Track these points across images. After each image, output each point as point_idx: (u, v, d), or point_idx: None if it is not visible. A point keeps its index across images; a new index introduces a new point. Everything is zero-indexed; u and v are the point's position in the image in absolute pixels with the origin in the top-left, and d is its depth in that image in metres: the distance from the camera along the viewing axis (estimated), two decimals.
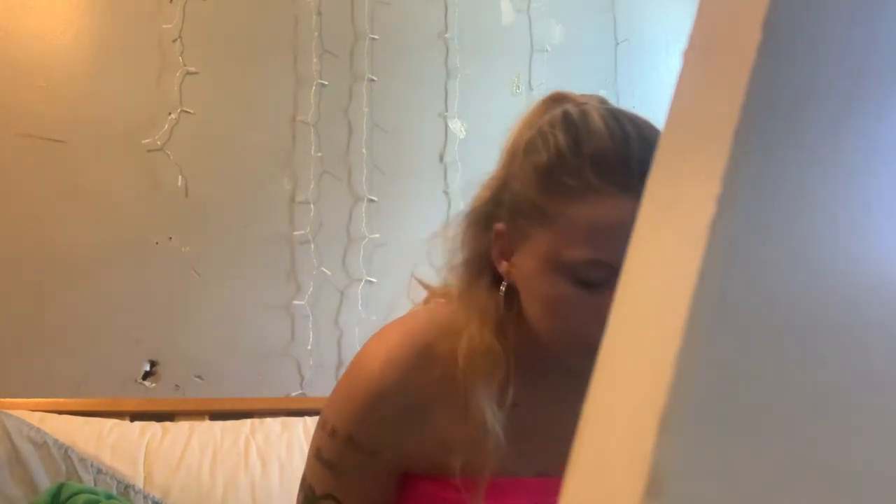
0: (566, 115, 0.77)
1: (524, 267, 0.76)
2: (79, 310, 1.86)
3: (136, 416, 1.79)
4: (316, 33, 2.11)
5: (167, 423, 1.75)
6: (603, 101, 0.85)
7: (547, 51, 2.34)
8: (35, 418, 1.62)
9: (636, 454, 0.18)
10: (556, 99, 0.84)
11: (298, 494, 0.85)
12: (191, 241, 1.96)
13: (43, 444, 1.56)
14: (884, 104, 0.24)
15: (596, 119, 0.76)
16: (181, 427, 1.73)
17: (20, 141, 1.87)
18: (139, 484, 1.58)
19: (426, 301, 0.91)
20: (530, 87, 2.30)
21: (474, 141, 2.19)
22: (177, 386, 1.92)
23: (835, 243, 0.23)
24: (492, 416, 0.77)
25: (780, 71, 0.22)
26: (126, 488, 1.56)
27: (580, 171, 0.71)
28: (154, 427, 1.71)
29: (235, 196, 2.01)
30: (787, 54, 0.22)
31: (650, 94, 2.44)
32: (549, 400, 0.82)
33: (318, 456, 0.82)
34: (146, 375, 1.90)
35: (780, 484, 0.20)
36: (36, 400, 1.74)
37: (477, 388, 0.77)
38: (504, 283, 0.79)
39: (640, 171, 0.70)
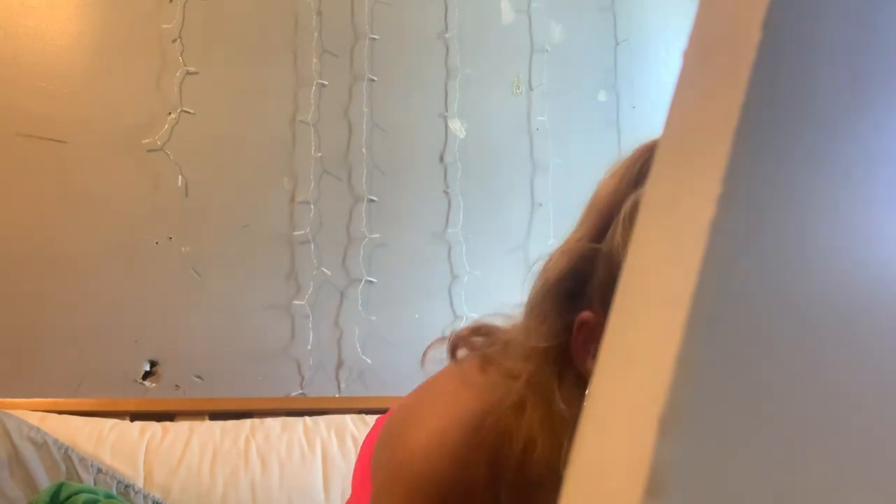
0: None
1: None
2: (79, 310, 1.86)
3: (135, 416, 1.79)
4: (316, 33, 2.11)
5: (167, 423, 1.75)
6: None
7: (547, 51, 2.34)
8: (35, 418, 1.62)
9: (636, 454, 0.18)
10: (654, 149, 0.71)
11: None
12: (191, 241, 1.96)
13: (43, 444, 1.56)
14: (884, 104, 0.24)
15: None
16: (181, 427, 1.73)
17: (20, 141, 1.87)
18: (139, 484, 1.58)
19: (483, 359, 0.73)
20: (530, 87, 2.30)
21: (474, 141, 2.19)
22: (177, 386, 1.92)
23: (835, 243, 0.23)
24: None
25: (780, 71, 0.22)
26: (126, 488, 1.56)
27: None
28: (154, 427, 1.71)
29: (235, 196, 2.01)
30: (787, 54, 0.22)
31: (650, 94, 2.44)
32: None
33: None
34: (146, 375, 1.90)
35: (781, 484, 0.20)
36: (36, 400, 1.74)
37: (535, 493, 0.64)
38: (588, 388, 0.63)
39: None
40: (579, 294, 0.65)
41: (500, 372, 0.70)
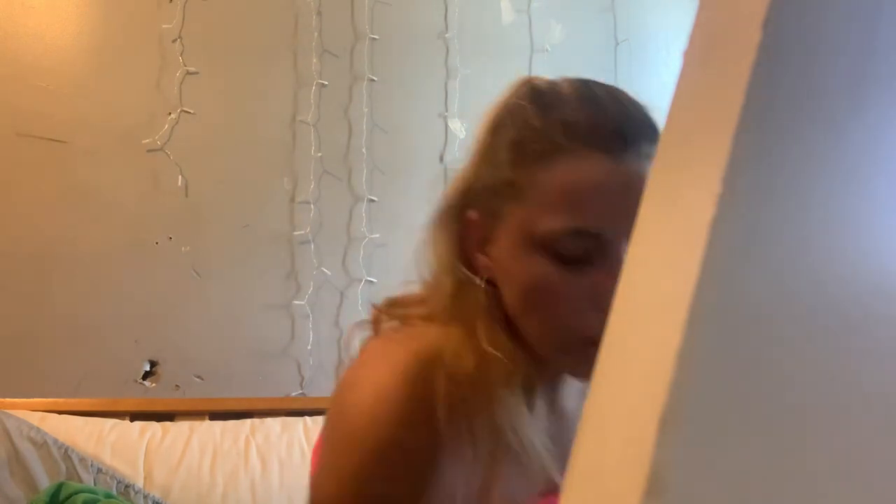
0: (534, 87, 0.69)
1: (501, 255, 0.67)
2: (79, 310, 1.86)
3: (135, 416, 1.79)
4: (316, 33, 2.11)
5: (167, 423, 1.75)
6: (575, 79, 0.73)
7: (547, 51, 2.34)
8: (35, 418, 1.62)
9: (636, 454, 0.18)
10: (525, 80, 0.73)
11: None
12: (191, 241, 1.96)
13: (43, 444, 1.56)
14: (883, 104, 0.24)
15: (564, 86, 0.68)
16: (181, 427, 1.73)
17: (20, 141, 1.87)
18: (139, 483, 1.58)
19: (403, 322, 0.76)
20: None
21: None
22: (177, 386, 1.92)
23: (835, 243, 0.23)
24: (527, 425, 0.66)
25: (780, 71, 0.22)
26: (126, 488, 1.57)
27: (550, 135, 0.64)
28: (154, 427, 1.71)
29: (235, 196, 2.01)
30: (787, 54, 0.22)
31: (650, 94, 2.43)
32: (545, 415, 0.73)
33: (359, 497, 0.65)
34: (146, 375, 1.90)
35: (780, 484, 0.20)
36: (36, 400, 1.74)
37: (499, 400, 0.65)
38: (482, 279, 0.68)
39: (616, 131, 0.63)
40: (467, 206, 0.70)
41: (420, 321, 0.72)
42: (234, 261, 1.98)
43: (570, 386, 0.75)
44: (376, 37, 2.15)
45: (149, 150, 1.95)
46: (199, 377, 1.93)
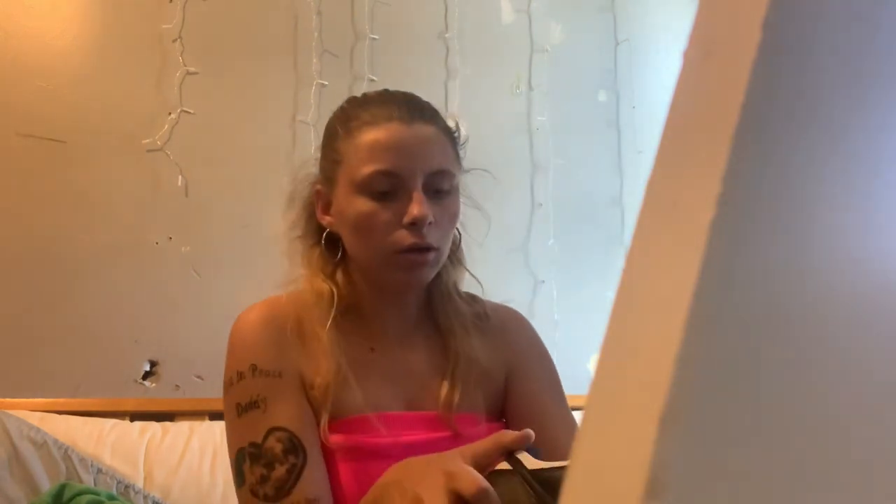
0: (350, 97, 1.01)
1: (338, 208, 0.93)
2: (79, 310, 1.86)
3: (135, 416, 1.79)
4: (316, 33, 2.11)
5: (167, 423, 1.75)
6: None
7: (547, 51, 2.34)
8: (35, 418, 1.62)
9: (636, 454, 0.18)
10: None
11: (244, 474, 0.86)
12: (191, 241, 1.96)
13: (43, 444, 1.56)
14: (884, 104, 0.24)
15: (370, 93, 0.99)
16: (181, 427, 1.73)
17: (20, 141, 1.87)
18: (139, 484, 1.58)
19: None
20: (530, 87, 2.30)
21: (474, 141, 2.18)
22: (177, 386, 1.92)
23: (835, 243, 0.23)
24: (335, 350, 0.90)
25: (780, 71, 0.22)
26: (126, 488, 1.56)
27: (359, 117, 0.92)
28: (154, 427, 1.71)
29: (235, 196, 2.01)
30: (787, 54, 0.22)
31: (650, 94, 2.44)
32: (400, 348, 0.97)
33: (240, 411, 0.88)
34: (146, 375, 1.90)
35: (780, 484, 0.20)
36: (36, 400, 1.74)
37: (318, 331, 0.91)
38: (326, 232, 0.96)
39: (403, 107, 0.92)
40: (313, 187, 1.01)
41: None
42: (234, 261, 1.98)
43: (414, 340, 0.99)
44: (376, 37, 2.15)
45: (149, 150, 1.95)
46: (199, 377, 1.93)
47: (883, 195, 0.24)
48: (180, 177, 1.96)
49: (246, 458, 0.86)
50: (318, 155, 1.03)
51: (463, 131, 1.03)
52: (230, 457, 0.88)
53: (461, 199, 0.99)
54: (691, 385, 0.19)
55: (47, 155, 1.88)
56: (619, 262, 2.38)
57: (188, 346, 1.93)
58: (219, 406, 1.97)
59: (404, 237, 0.89)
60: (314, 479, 0.85)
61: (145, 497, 1.57)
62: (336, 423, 0.89)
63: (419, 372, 0.96)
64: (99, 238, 1.90)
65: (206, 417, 1.83)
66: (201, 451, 1.67)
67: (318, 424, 0.89)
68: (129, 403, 1.82)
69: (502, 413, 1.01)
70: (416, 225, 0.88)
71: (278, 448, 0.85)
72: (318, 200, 0.98)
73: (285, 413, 0.87)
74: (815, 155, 0.22)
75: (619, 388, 0.21)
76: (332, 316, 0.91)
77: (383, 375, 0.94)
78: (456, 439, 0.90)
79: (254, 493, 0.84)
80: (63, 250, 1.87)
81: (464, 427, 0.92)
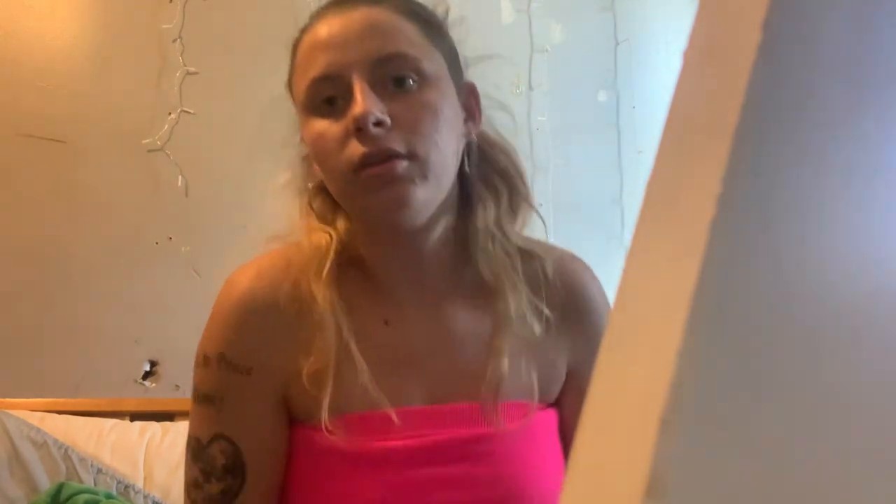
0: None
1: (306, 144, 0.79)
2: (79, 310, 1.86)
3: (135, 416, 1.79)
4: None
5: (167, 423, 1.75)
6: None
7: (547, 51, 2.34)
8: (35, 418, 1.62)
9: (636, 454, 0.18)
10: None
11: (186, 465, 0.76)
12: (191, 241, 1.96)
13: (43, 444, 1.56)
14: (884, 104, 0.24)
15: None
16: (181, 427, 1.73)
17: (20, 141, 1.87)
18: (139, 484, 1.58)
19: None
20: (530, 87, 2.30)
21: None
22: (177, 386, 1.92)
23: (835, 243, 0.23)
24: (335, 310, 0.72)
25: (780, 71, 0.22)
26: (126, 488, 1.56)
27: (303, 28, 0.79)
28: (154, 427, 1.71)
29: (235, 196, 2.01)
30: (787, 54, 0.22)
31: (650, 94, 2.43)
32: (423, 320, 0.77)
33: (196, 398, 0.77)
34: (146, 375, 1.90)
35: (781, 484, 0.20)
36: (36, 400, 1.74)
37: (316, 292, 0.73)
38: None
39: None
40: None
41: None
42: (234, 261, 1.98)
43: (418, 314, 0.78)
44: None
45: (149, 150, 1.95)
46: None
47: (883, 195, 0.24)
48: (180, 177, 1.96)
49: (189, 449, 0.76)
50: None
51: (450, 9, 0.85)
52: (190, 420, 0.79)
53: (482, 104, 0.81)
54: (691, 385, 0.19)
55: (47, 155, 1.88)
56: (619, 262, 2.37)
57: (188, 346, 1.92)
58: None
59: (355, 149, 0.69)
60: None
61: (145, 497, 1.57)
62: (335, 420, 0.71)
63: (451, 350, 0.76)
64: (99, 238, 1.90)
65: None
66: None
67: (309, 424, 0.74)
68: (129, 403, 1.82)
69: (557, 402, 0.81)
70: (361, 129, 0.68)
71: (219, 461, 0.73)
72: (304, 146, 0.82)
73: (240, 421, 0.74)
74: (814, 154, 0.22)
75: (619, 388, 0.21)
76: (327, 268, 0.73)
77: (401, 357, 0.75)
78: (498, 439, 0.73)
79: (188, 492, 0.75)
80: (63, 250, 1.87)
81: (510, 419, 0.73)
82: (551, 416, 0.79)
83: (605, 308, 0.83)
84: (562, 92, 2.34)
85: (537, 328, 0.76)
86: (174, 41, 1.99)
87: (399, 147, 0.69)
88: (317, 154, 0.74)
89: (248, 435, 0.74)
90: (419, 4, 0.79)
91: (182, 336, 1.93)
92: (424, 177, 0.70)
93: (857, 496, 0.22)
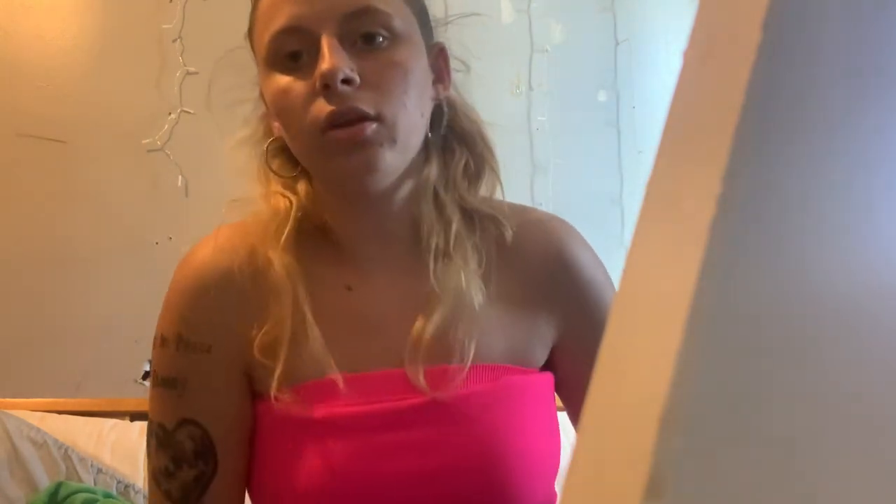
0: None
1: (266, 99, 0.74)
2: (79, 310, 1.86)
3: (135, 416, 1.79)
4: None
5: None
6: None
7: (547, 51, 2.34)
8: (35, 418, 1.62)
9: (636, 454, 0.18)
10: None
11: (150, 454, 0.74)
12: (191, 241, 1.96)
13: (43, 444, 1.56)
14: (884, 104, 0.24)
15: None
16: None
17: (20, 141, 1.87)
18: (139, 484, 1.58)
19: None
20: (530, 87, 2.30)
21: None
22: None
23: (835, 243, 0.23)
24: (291, 277, 0.70)
25: (780, 71, 0.22)
26: (126, 488, 1.56)
27: None
28: None
29: (235, 196, 2.00)
30: (787, 54, 0.22)
31: (650, 94, 2.43)
32: (386, 285, 0.74)
33: (156, 383, 0.74)
34: (146, 375, 1.90)
35: (781, 484, 0.20)
36: (36, 400, 1.74)
37: (272, 258, 0.71)
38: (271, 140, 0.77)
39: None
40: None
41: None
42: None
43: (381, 281, 0.76)
44: None
45: (149, 150, 1.95)
46: None
47: (883, 195, 0.24)
48: (180, 177, 1.96)
49: (153, 437, 0.73)
50: None
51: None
52: (149, 407, 0.75)
53: (451, 63, 0.78)
54: (691, 385, 0.19)
55: (47, 155, 1.88)
56: (619, 262, 2.37)
57: None
58: None
59: (321, 108, 0.66)
60: (221, 493, 0.71)
61: (145, 497, 1.57)
62: (291, 390, 0.69)
63: (404, 314, 0.73)
64: (99, 238, 1.90)
65: None
66: None
67: (266, 396, 0.71)
68: (129, 403, 1.82)
69: (551, 366, 0.79)
70: (329, 87, 0.65)
71: (188, 446, 0.71)
72: (263, 103, 0.78)
73: (205, 403, 0.71)
74: (815, 155, 0.22)
75: (619, 388, 0.21)
76: (286, 234, 0.71)
77: (363, 323, 0.73)
78: (433, 407, 0.69)
79: (156, 481, 0.72)
80: (63, 250, 1.87)
81: (438, 384, 0.70)
82: (533, 379, 0.76)
83: (593, 266, 0.81)
84: (562, 92, 2.34)
85: (479, 295, 0.72)
86: (174, 41, 1.99)
87: (368, 108, 0.66)
88: (279, 111, 0.70)
89: (215, 416, 0.72)
90: None
91: None
92: (393, 140, 0.67)
93: (857, 496, 0.22)
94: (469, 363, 0.71)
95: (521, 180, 2.23)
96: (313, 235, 0.75)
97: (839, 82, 0.23)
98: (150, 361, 0.75)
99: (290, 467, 0.69)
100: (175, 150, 1.96)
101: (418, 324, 0.71)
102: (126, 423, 1.73)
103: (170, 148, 1.96)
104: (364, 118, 0.66)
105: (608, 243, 2.46)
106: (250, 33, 0.77)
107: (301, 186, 0.75)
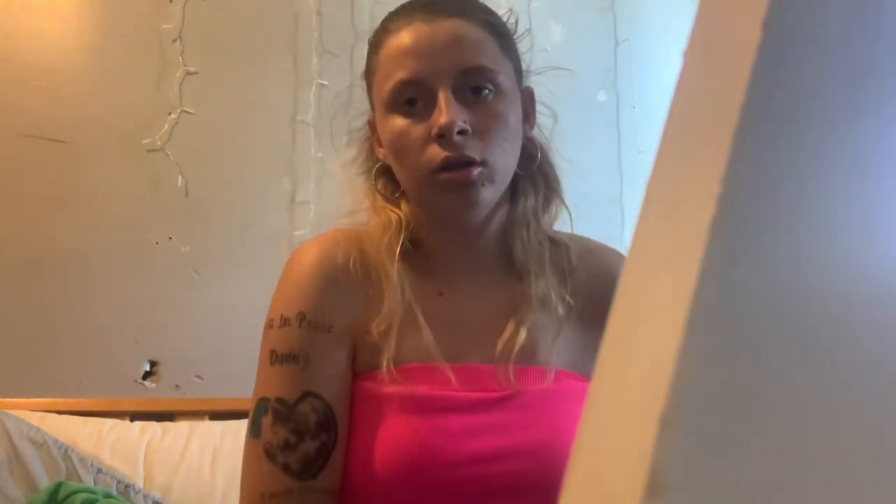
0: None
1: (381, 135, 0.84)
2: (79, 310, 1.86)
3: (135, 416, 1.79)
4: (316, 33, 2.11)
5: (167, 423, 1.75)
6: None
7: (547, 51, 2.34)
8: (35, 418, 1.62)
9: (636, 454, 0.18)
10: None
11: (265, 431, 0.78)
12: (191, 241, 1.96)
13: (43, 444, 1.56)
14: (884, 104, 0.24)
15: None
16: (181, 427, 1.73)
17: (20, 141, 1.87)
18: (139, 484, 1.58)
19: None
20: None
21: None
22: (177, 386, 1.92)
23: (835, 243, 0.23)
24: (401, 279, 0.81)
25: (780, 71, 0.22)
26: (126, 488, 1.56)
27: (384, 26, 0.84)
28: (154, 427, 1.71)
29: (235, 196, 2.01)
30: (787, 54, 0.22)
31: (650, 94, 2.43)
32: (472, 293, 0.86)
33: (274, 360, 0.80)
34: (146, 375, 1.90)
35: (781, 484, 0.20)
36: (36, 400, 1.74)
37: (386, 262, 0.81)
38: (379, 164, 0.87)
39: (428, 5, 0.81)
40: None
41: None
42: (234, 261, 1.98)
43: (473, 285, 0.87)
44: None
45: (149, 150, 1.95)
46: (199, 377, 1.93)
47: (883, 195, 0.24)
48: (180, 177, 1.96)
49: (269, 412, 0.78)
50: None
51: (520, 21, 0.93)
52: (259, 385, 0.82)
53: (538, 110, 0.90)
54: (691, 385, 0.19)
55: (47, 155, 1.88)
56: None
57: (188, 346, 1.93)
58: (219, 406, 1.96)
59: (436, 153, 0.77)
60: (338, 466, 0.77)
61: (145, 497, 1.57)
62: (399, 369, 0.79)
63: (491, 319, 0.84)
64: (99, 238, 1.90)
65: (206, 417, 1.83)
66: (201, 451, 1.67)
67: (367, 376, 0.80)
68: (129, 403, 1.82)
69: None
70: (444, 136, 0.76)
71: (312, 418, 0.77)
72: (373, 133, 0.89)
73: (327, 377, 0.79)
74: (815, 155, 0.22)
75: (619, 388, 0.21)
76: (400, 244, 0.82)
77: (452, 324, 0.83)
78: (515, 400, 0.79)
79: (270, 456, 0.77)
80: (63, 250, 1.87)
81: (528, 383, 0.80)
82: (587, 387, 0.83)
83: None
84: (562, 92, 2.34)
85: (560, 309, 0.84)
86: (174, 41, 1.99)
87: (476, 155, 0.77)
88: (394, 149, 0.81)
89: (336, 390, 0.79)
90: (497, 18, 0.87)
91: (182, 336, 1.94)
92: (492, 181, 0.79)
93: (857, 495, 0.22)
94: (553, 368, 0.82)
95: None
96: (411, 248, 0.85)
97: (839, 82, 0.23)
98: (265, 348, 0.82)
99: (384, 437, 0.77)
100: (175, 150, 1.96)
101: (510, 326, 0.82)
102: (126, 423, 1.73)
103: (170, 148, 1.96)
104: (472, 163, 0.77)
105: (608, 243, 2.46)
106: (368, 76, 0.87)
107: (403, 206, 0.86)
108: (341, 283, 0.82)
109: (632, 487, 0.18)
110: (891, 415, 0.23)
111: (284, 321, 0.81)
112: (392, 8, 0.86)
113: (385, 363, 0.78)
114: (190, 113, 1.98)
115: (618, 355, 0.22)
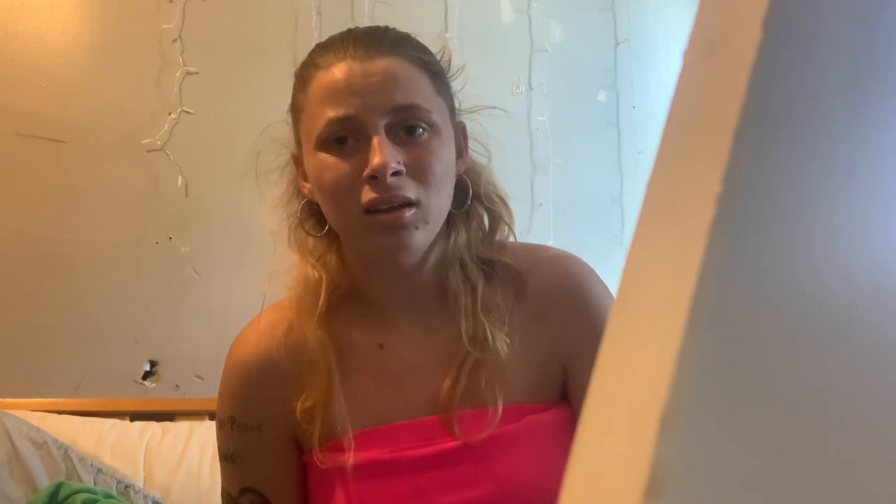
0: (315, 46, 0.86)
1: (307, 169, 0.81)
2: (79, 310, 1.86)
3: (135, 416, 1.79)
4: (316, 33, 2.11)
5: (167, 423, 1.75)
6: None
7: (547, 51, 2.34)
8: (35, 418, 1.62)
9: (636, 454, 0.18)
10: None
11: None
12: (191, 241, 1.96)
13: (43, 444, 1.56)
14: (884, 104, 0.24)
15: (334, 35, 0.84)
16: (181, 427, 1.73)
17: (20, 141, 1.87)
18: (139, 484, 1.58)
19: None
20: (530, 87, 2.30)
21: (472, 141, 2.18)
22: (177, 386, 1.92)
23: (835, 243, 0.23)
24: (325, 349, 0.79)
25: (780, 71, 0.22)
26: (126, 488, 1.56)
27: (313, 61, 0.81)
28: (154, 427, 1.71)
29: (235, 196, 2.01)
30: (787, 54, 0.22)
31: (650, 94, 2.43)
32: (415, 339, 0.83)
33: (220, 456, 0.85)
34: (146, 375, 1.90)
35: (780, 484, 0.20)
36: (36, 400, 1.74)
37: (307, 328, 0.80)
38: (304, 200, 0.85)
39: (359, 43, 0.78)
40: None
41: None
42: (234, 261, 1.98)
43: (407, 332, 0.85)
44: None
45: (149, 150, 1.95)
46: (199, 377, 1.93)
47: (883, 195, 0.24)
48: (180, 177, 1.96)
49: (223, 502, 0.86)
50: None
51: (454, 58, 0.89)
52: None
53: (470, 144, 0.87)
54: (691, 385, 0.19)
55: (47, 155, 1.88)
56: (619, 262, 2.38)
57: (188, 346, 1.93)
58: None
59: (367, 193, 0.74)
60: None
61: (145, 497, 1.57)
62: (331, 444, 0.80)
63: (433, 366, 0.82)
64: (99, 238, 1.90)
65: (206, 417, 1.83)
66: (201, 450, 1.67)
67: (324, 446, 0.80)
68: (129, 403, 1.82)
69: (567, 398, 0.86)
70: (376, 178, 0.73)
71: None
72: (297, 167, 0.87)
73: (261, 472, 0.83)
74: (815, 155, 0.22)
75: (619, 388, 0.21)
76: (318, 310, 0.79)
77: (396, 377, 0.82)
78: (466, 450, 0.78)
79: None
80: (63, 250, 1.87)
81: (470, 430, 0.78)
82: (553, 414, 0.83)
83: (606, 296, 0.87)
84: (562, 92, 2.34)
85: (501, 344, 0.80)
86: (174, 41, 1.99)
87: (410, 195, 0.75)
88: (322, 187, 0.78)
89: (272, 483, 0.82)
90: (431, 56, 0.84)
91: (182, 336, 1.94)
92: (426, 222, 0.77)
93: (857, 495, 0.22)
94: (499, 409, 0.79)
95: (521, 180, 2.23)
96: (346, 299, 0.83)
97: (839, 82, 0.23)
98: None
99: None
100: (175, 150, 1.96)
101: (450, 376, 0.80)
102: (126, 423, 1.73)
103: (170, 148, 1.96)
104: (406, 204, 0.75)
105: (608, 243, 2.46)
106: (296, 111, 0.85)
107: (331, 257, 0.83)
108: (268, 379, 0.82)
109: (632, 487, 0.18)
110: (891, 415, 0.23)
111: (220, 422, 0.85)
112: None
113: (315, 443, 0.79)
114: (190, 113, 1.98)
115: (618, 355, 0.22)
